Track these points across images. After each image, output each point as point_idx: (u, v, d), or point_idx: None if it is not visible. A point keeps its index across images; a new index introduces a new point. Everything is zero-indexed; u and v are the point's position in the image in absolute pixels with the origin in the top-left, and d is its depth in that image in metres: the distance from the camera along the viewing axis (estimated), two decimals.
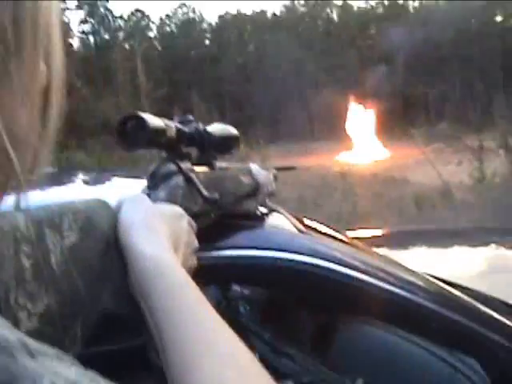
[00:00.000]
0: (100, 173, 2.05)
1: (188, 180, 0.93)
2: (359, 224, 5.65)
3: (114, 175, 1.74)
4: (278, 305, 1.74)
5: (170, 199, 0.88)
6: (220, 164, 1.17)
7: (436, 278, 1.56)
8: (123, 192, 0.87)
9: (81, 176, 1.97)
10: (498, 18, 56.87)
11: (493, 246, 2.88)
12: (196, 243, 0.83)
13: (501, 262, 2.48)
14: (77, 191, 1.36)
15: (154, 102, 40.27)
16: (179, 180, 0.93)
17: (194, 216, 0.89)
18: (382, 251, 2.61)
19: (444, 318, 1.26)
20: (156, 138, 0.88)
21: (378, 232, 3.45)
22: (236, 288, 1.88)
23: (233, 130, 1.19)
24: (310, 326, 1.63)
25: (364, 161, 26.03)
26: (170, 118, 1.01)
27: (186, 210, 0.86)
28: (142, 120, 0.84)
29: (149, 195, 0.88)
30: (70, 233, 0.65)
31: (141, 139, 0.85)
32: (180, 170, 0.93)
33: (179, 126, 0.98)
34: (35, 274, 0.58)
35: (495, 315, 1.40)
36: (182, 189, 0.92)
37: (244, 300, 1.88)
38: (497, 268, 2.37)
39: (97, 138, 31.24)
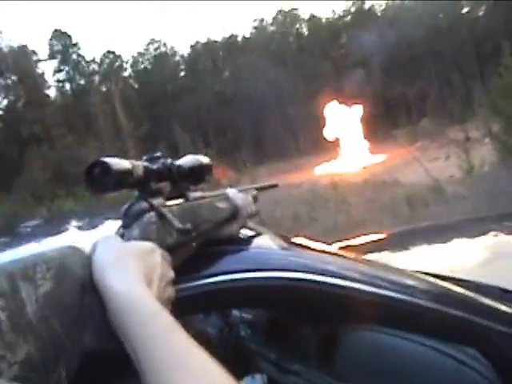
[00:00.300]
0: (92, 217, 2.06)
1: (160, 215, 0.95)
2: (356, 232, 5.63)
3: (107, 218, 1.75)
4: (277, 324, 1.74)
5: (145, 236, 0.90)
6: (194, 194, 1.18)
7: (433, 274, 1.56)
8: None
9: (74, 223, 1.98)
10: (465, 10, 57.57)
11: (491, 233, 2.87)
12: (171, 274, 0.85)
13: (501, 249, 2.46)
14: (72, 238, 1.37)
15: (137, 140, 40.36)
16: (151, 216, 0.94)
17: (171, 248, 0.90)
18: (383, 255, 2.62)
19: (442, 314, 1.26)
20: (122, 179, 0.90)
21: (376, 237, 3.44)
22: (235, 313, 1.88)
23: (204, 159, 1.21)
24: (312, 340, 1.63)
25: (353, 168, 26.14)
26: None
27: (162, 244, 0.87)
28: (106, 165, 0.86)
29: (123, 235, 0.89)
30: (44, 281, 0.67)
31: (107, 183, 0.87)
32: (151, 207, 0.95)
33: (146, 164, 0.99)
34: (12, 325, 0.60)
35: (493, 304, 1.40)
36: (155, 224, 0.94)
37: (244, 324, 1.88)
38: (499, 254, 2.36)
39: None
